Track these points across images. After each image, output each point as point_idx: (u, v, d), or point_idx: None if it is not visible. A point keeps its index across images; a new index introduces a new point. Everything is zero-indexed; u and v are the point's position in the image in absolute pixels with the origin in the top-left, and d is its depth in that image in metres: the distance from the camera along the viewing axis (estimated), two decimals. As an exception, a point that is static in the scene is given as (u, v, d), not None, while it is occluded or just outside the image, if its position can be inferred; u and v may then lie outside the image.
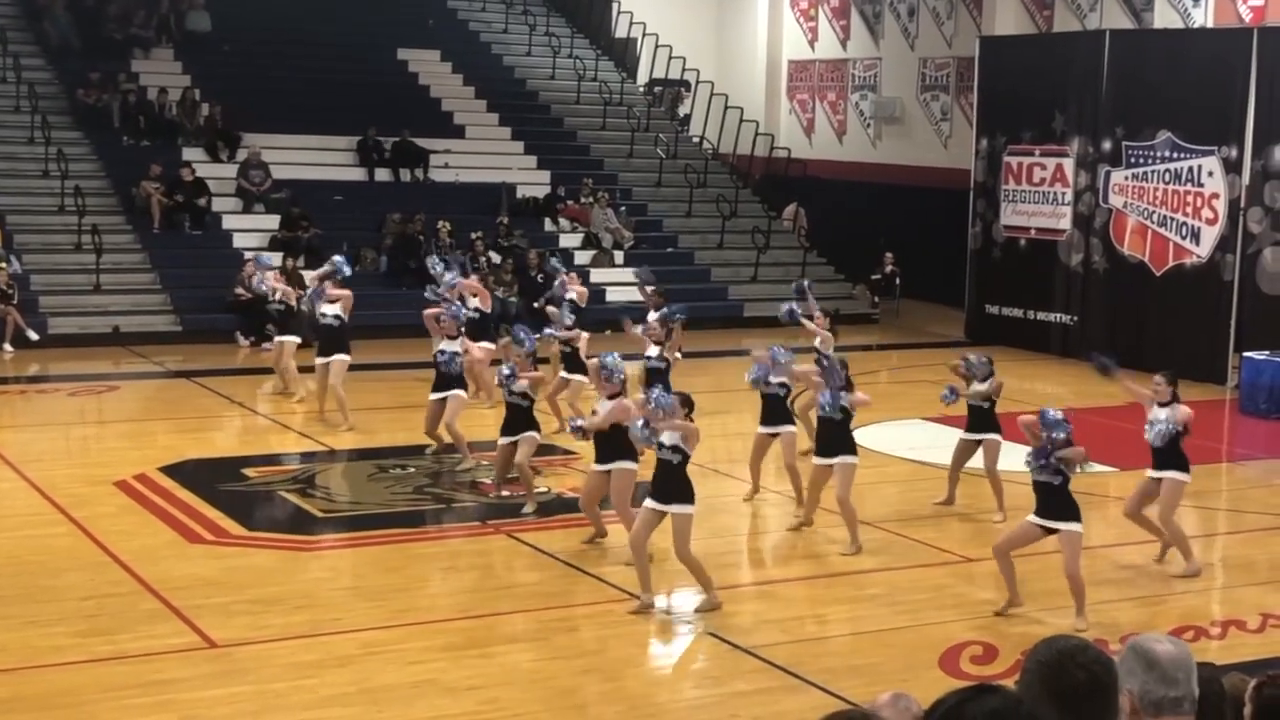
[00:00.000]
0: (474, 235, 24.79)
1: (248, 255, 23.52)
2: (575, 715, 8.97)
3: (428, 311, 16.33)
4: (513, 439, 13.50)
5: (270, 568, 11.87)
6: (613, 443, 11.84)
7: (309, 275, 19.32)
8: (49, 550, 12.13)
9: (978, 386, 13.78)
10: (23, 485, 14.13)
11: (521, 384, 13.45)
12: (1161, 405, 12.29)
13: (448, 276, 17.01)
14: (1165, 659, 3.68)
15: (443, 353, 15.22)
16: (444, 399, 15.13)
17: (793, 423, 14.07)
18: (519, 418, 13.51)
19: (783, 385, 13.74)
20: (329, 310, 16.98)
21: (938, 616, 11.06)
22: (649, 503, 10.92)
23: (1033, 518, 10.96)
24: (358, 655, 9.87)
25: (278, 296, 19.05)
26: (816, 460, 12.83)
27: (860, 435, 16.07)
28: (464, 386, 15.41)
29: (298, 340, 18.63)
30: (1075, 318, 23.56)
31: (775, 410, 13.78)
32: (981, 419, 13.79)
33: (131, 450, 15.79)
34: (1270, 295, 20.94)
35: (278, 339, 18.93)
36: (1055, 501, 10.79)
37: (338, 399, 16.81)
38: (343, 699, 9.11)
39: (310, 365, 17.66)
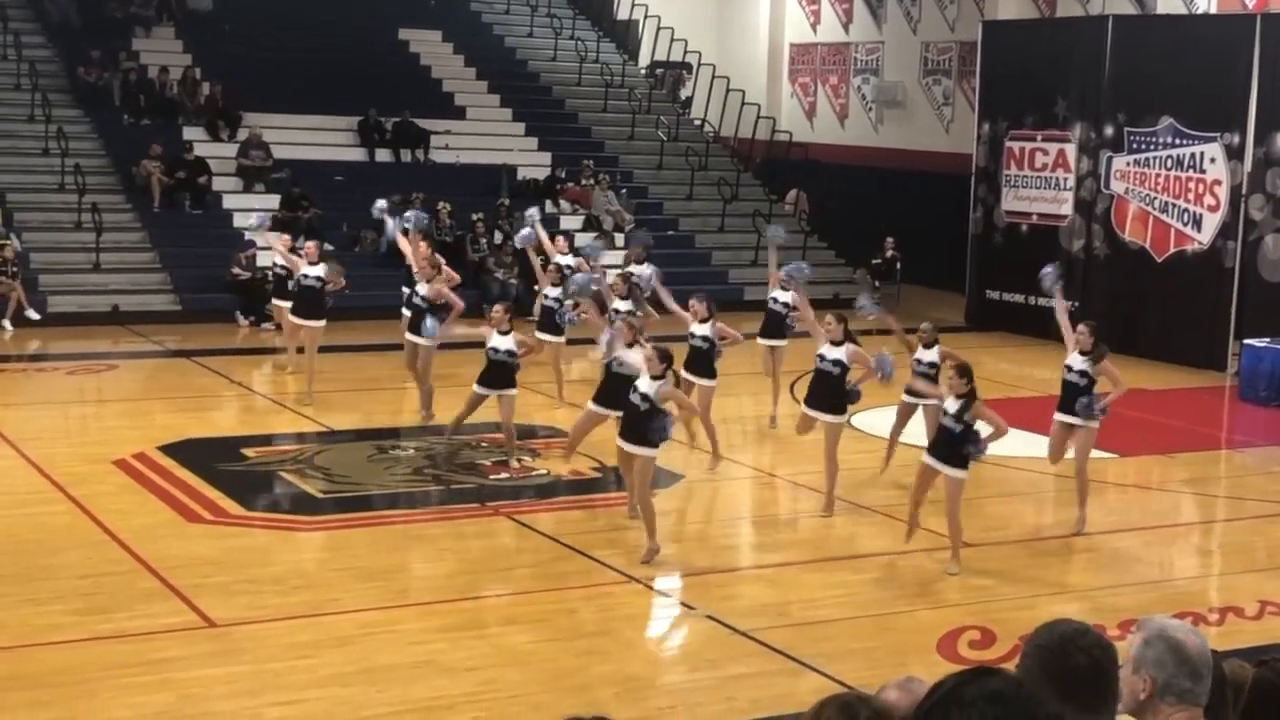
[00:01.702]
0: (475, 217, 24.78)
1: (248, 235, 23.52)
2: (573, 697, 8.96)
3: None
4: (493, 393, 14.03)
5: (269, 548, 11.88)
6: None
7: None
8: (47, 528, 12.13)
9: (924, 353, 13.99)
10: (21, 463, 14.11)
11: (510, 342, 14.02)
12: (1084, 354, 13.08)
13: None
14: (1195, 654, 3.75)
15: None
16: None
17: (713, 376, 14.63)
18: (503, 374, 14.01)
19: (705, 339, 14.52)
20: (312, 272, 17.01)
21: (936, 601, 11.07)
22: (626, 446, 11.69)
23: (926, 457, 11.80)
24: (356, 636, 9.87)
25: (279, 263, 18.66)
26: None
27: (859, 420, 16.10)
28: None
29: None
30: (1076, 304, 23.47)
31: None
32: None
33: (130, 429, 15.77)
34: (1271, 282, 20.92)
35: (279, 304, 18.60)
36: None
37: (309, 370, 16.93)
38: (341, 679, 9.11)
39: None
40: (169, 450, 14.63)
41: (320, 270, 17.11)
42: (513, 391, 14.16)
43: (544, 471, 14.38)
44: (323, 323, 17.13)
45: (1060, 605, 10.70)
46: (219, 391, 18.20)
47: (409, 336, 16.10)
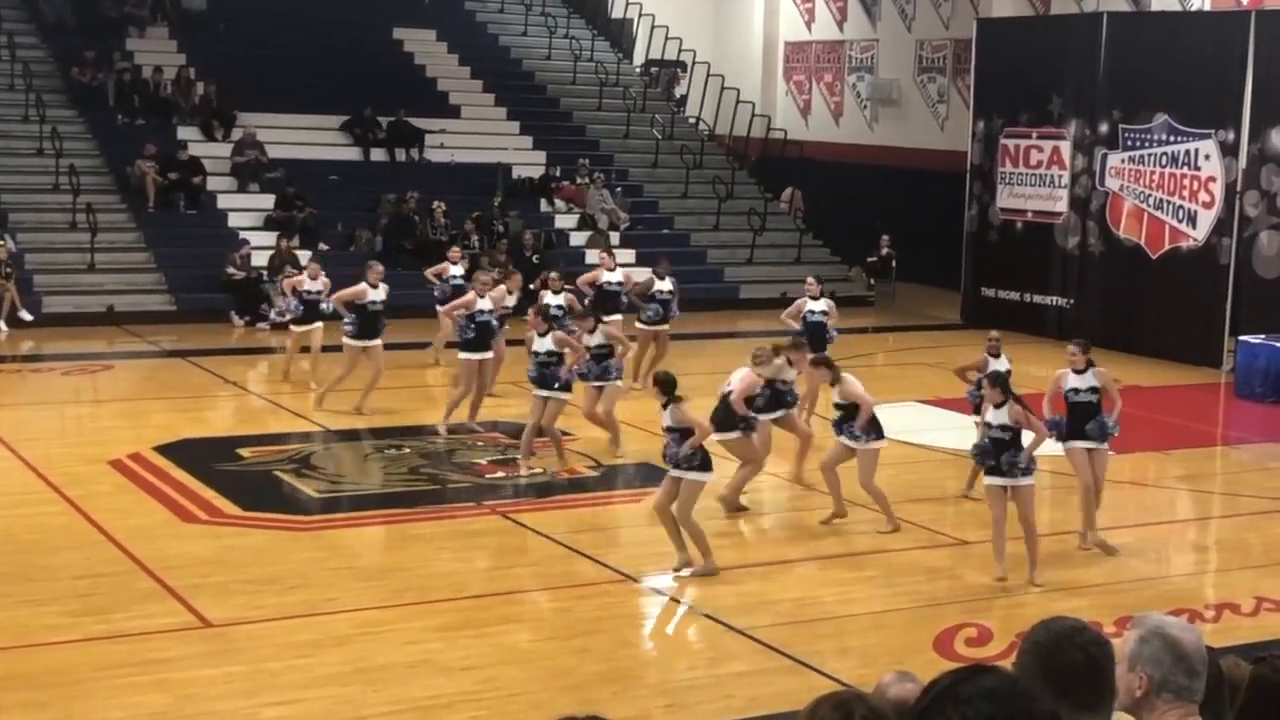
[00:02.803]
0: (471, 215, 24.78)
1: (242, 234, 23.54)
2: (570, 695, 8.96)
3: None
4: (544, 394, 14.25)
5: (265, 548, 11.86)
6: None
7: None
8: (44, 529, 12.12)
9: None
10: (17, 464, 14.10)
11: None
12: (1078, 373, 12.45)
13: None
14: (1193, 651, 3.76)
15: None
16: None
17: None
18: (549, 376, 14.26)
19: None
20: (378, 296, 16.62)
21: (933, 598, 11.07)
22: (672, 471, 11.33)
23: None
24: (353, 635, 9.87)
25: (318, 286, 17.84)
26: None
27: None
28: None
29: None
30: (1071, 301, 23.56)
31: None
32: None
33: (126, 429, 15.76)
34: (1266, 279, 20.94)
35: (305, 328, 17.77)
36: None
37: (334, 378, 16.80)
38: (338, 678, 9.11)
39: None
40: (165, 450, 14.62)
41: (383, 293, 16.60)
42: (565, 396, 14.35)
43: (540, 471, 14.37)
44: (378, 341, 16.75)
45: (1057, 602, 10.71)
46: (215, 391, 18.19)
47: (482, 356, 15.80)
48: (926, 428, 15.06)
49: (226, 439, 15.43)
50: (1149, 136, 22.17)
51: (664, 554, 11.81)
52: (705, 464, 11.28)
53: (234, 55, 27.14)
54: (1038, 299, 24.05)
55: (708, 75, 31.23)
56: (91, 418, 17.45)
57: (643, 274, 19.37)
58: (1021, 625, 8.86)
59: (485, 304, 15.73)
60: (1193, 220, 21.66)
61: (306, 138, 26.40)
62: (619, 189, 27.44)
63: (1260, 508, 14.13)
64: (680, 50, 31.85)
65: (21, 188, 23.75)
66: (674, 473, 11.28)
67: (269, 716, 8.59)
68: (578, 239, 26.24)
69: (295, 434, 15.89)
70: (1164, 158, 21.99)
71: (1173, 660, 3.73)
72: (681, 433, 11.18)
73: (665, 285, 18.31)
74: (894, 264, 27.41)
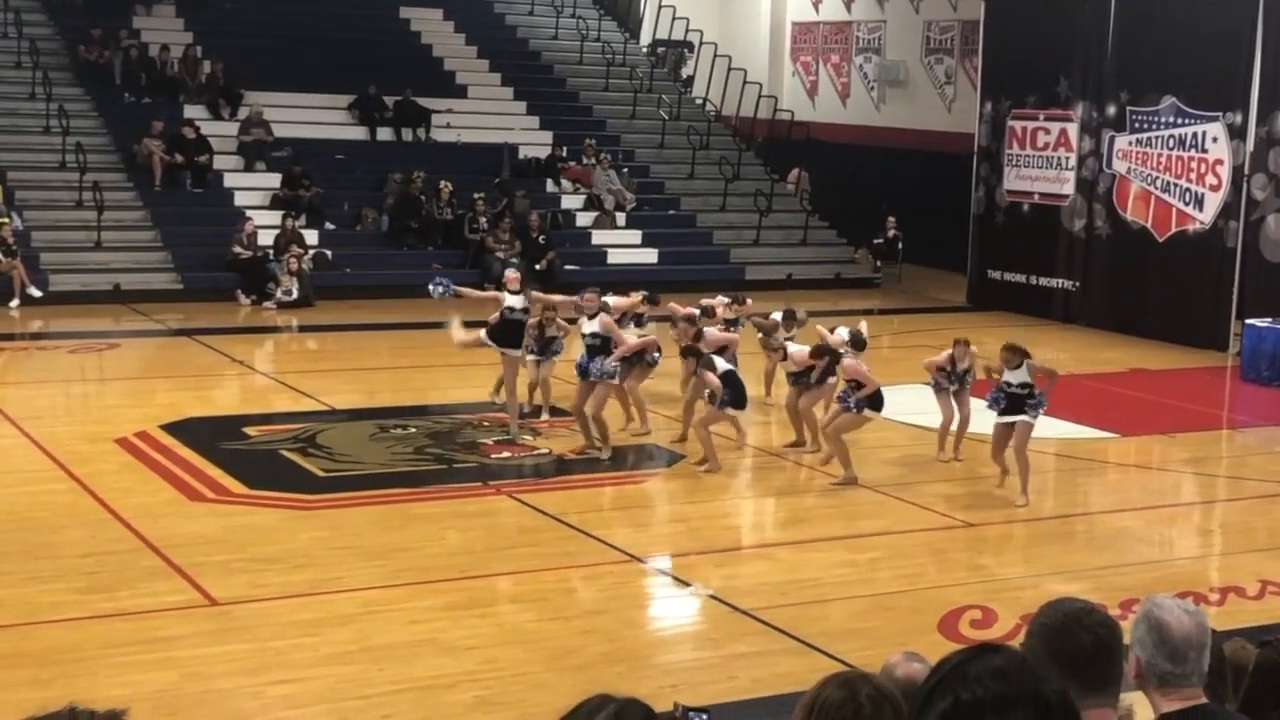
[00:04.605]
0: (476, 195, 24.77)
1: (247, 212, 23.53)
2: (575, 675, 8.97)
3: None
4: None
5: (271, 526, 11.87)
6: None
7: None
8: (49, 507, 12.13)
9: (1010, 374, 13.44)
10: (23, 442, 14.12)
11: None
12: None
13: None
14: (1178, 635, 3.61)
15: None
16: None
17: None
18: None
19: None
20: (518, 304, 15.14)
21: (937, 580, 11.08)
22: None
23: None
24: (358, 614, 9.87)
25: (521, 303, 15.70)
26: None
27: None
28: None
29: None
30: (1077, 283, 23.53)
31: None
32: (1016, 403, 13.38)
33: (132, 408, 15.77)
34: (1273, 262, 20.89)
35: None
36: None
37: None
38: (343, 657, 9.11)
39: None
40: (171, 429, 14.63)
41: (522, 301, 14.87)
42: (516, 353, 14.60)
43: (545, 450, 14.38)
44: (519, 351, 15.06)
45: (1061, 585, 10.70)
46: (221, 370, 18.20)
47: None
48: (931, 410, 14.99)
49: (233, 418, 15.44)
50: (1156, 119, 22.12)
51: (669, 535, 11.81)
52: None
53: (241, 34, 27.12)
54: (1044, 281, 24.02)
55: (715, 56, 31.15)
56: (98, 396, 17.46)
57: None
58: (1027, 608, 8.87)
59: (516, 301, 14.68)
60: (1200, 203, 21.62)
61: (313, 117, 26.37)
62: (625, 169, 27.41)
63: (1265, 491, 14.11)
64: (687, 30, 31.78)
65: (28, 165, 23.74)
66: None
67: (273, 695, 8.60)
68: (584, 219, 26.22)
69: (301, 413, 15.88)
70: (1171, 140, 21.94)
71: (1154, 644, 3.61)
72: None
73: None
74: (900, 246, 27.37)
